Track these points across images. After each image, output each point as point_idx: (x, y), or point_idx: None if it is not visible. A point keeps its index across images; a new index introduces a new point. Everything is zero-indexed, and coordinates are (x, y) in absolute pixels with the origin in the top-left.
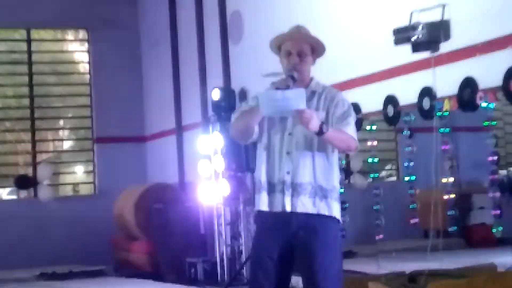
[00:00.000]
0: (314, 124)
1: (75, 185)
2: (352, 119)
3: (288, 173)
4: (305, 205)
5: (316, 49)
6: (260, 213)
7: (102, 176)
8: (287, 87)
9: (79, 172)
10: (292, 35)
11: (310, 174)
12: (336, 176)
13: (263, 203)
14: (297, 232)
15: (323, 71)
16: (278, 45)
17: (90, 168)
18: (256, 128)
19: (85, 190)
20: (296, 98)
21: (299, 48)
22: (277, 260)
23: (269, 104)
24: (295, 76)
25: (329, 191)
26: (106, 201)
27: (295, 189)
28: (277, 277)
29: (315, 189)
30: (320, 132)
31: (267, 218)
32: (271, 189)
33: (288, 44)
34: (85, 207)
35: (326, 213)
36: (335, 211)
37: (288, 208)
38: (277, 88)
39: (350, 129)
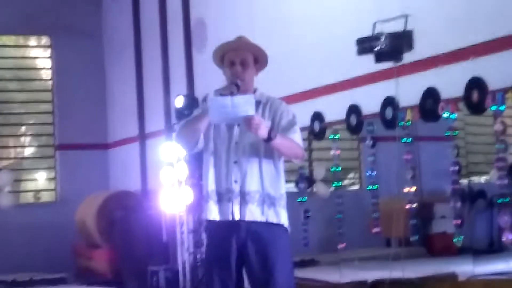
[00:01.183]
0: (263, 131)
1: (37, 192)
2: (297, 127)
3: (235, 181)
4: (254, 213)
5: (259, 59)
6: (210, 222)
7: (64, 183)
8: (231, 94)
9: (40, 179)
10: (234, 45)
11: (257, 183)
12: (283, 184)
13: (211, 213)
14: (246, 241)
15: (286, 81)
16: (221, 56)
17: (52, 175)
18: (201, 137)
19: (46, 197)
20: (245, 104)
21: (242, 58)
22: (231, 271)
23: (218, 111)
24: (238, 83)
25: (277, 199)
26: (68, 208)
27: (243, 197)
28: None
29: (263, 197)
30: (269, 139)
31: (217, 227)
32: (219, 198)
33: (231, 54)
34: (46, 214)
35: (275, 221)
36: (283, 218)
37: (237, 217)
38: (222, 95)
39: (297, 137)
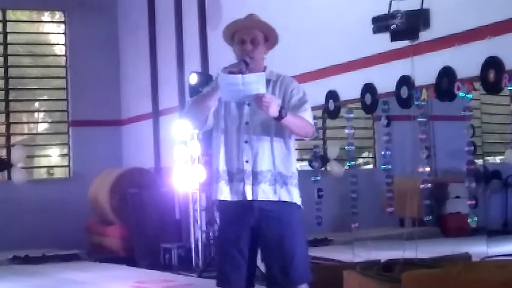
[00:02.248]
0: (274, 109)
1: (50, 168)
2: (308, 105)
3: (247, 161)
4: (266, 192)
5: (270, 37)
6: (222, 202)
7: (77, 160)
8: (240, 72)
9: (54, 155)
10: (245, 23)
11: (269, 162)
12: (294, 162)
13: (223, 193)
14: (260, 221)
15: (300, 59)
16: (232, 34)
17: (65, 151)
18: (211, 116)
19: (59, 173)
20: (256, 82)
21: (253, 36)
22: (243, 251)
23: (228, 88)
24: (247, 61)
25: (289, 178)
26: (81, 185)
27: (255, 177)
28: (245, 268)
29: (275, 176)
30: (280, 117)
31: (229, 207)
32: (230, 178)
33: (242, 32)
34: (59, 190)
35: (287, 200)
36: (296, 197)
37: (249, 197)
38: (231, 72)
39: (307, 114)
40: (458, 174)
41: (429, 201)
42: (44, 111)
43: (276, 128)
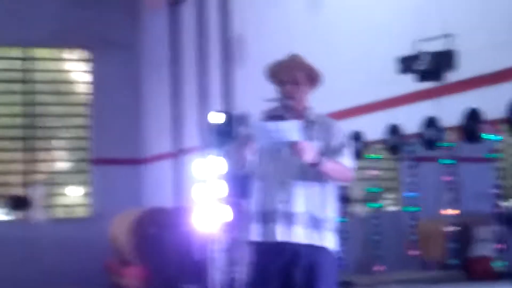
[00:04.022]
0: (309, 156)
1: (70, 207)
2: (348, 149)
3: (281, 202)
4: (298, 235)
5: (312, 77)
6: (254, 244)
7: (98, 199)
8: (280, 116)
9: (74, 194)
10: (285, 64)
11: (303, 204)
12: (332, 206)
13: (255, 233)
14: (291, 264)
15: (326, 99)
16: (274, 73)
17: (86, 190)
18: (252, 157)
19: (80, 212)
20: (291, 129)
21: (293, 77)
22: None
23: (263, 136)
24: (288, 104)
25: (323, 221)
26: (102, 224)
27: (289, 218)
28: None
29: (309, 219)
30: (315, 164)
31: (261, 249)
32: (264, 219)
33: (283, 73)
34: (80, 229)
35: (319, 244)
36: (329, 241)
37: (280, 238)
38: (270, 117)
39: (346, 160)
40: (484, 217)
41: (454, 244)
42: (66, 149)
43: (314, 171)
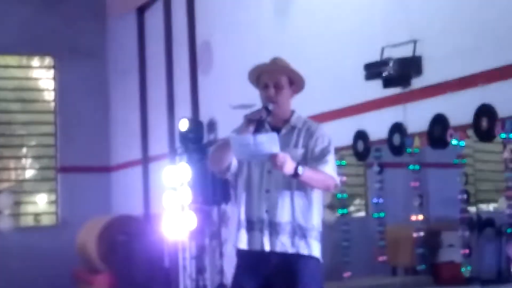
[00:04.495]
0: (289, 168)
1: (37, 215)
2: (331, 156)
3: (266, 211)
4: (284, 244)
5: (295, 81)
6: (239, 251)
7: (65, 207)
8: (260, 119)
9: (41, 202)
10: (268, 67)
11: (288, 213)
12: (316, 214)
13: (241, 241)
14: (276, 273)
15: (294, 104)
16: (256, 77)
17: (53, 198)
18: (235, 162)
19: (47, 220)
20: (268, 142)
21: (276, 80)
22: None
23: (240, 149)
24: (270, 108)
25: (309, 230)
26: (69, 232)
27: (274, 228)
28: None
29: (294, 228)
30: (296, 175)
31: (246, 256)
32: (250, 227)
33: (265, 76)
34: (47, 238)
35: (306, 253)
36: (315, 250)
37: (267, 248)
38: (250, 120)
39: (329, 167)
40: (452, 222)
41: (422, 249)
42: (32, 157)
43: (297, 180)
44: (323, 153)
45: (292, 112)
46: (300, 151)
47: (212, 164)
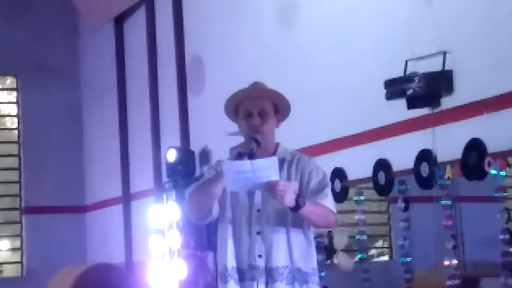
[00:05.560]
0: (290, 198)
1: None
2: (329, 189)
3: (260, 256)
4: None
5: (280, 108)
6: None
7: (32, 254)
8: (251, 152)
9: (3, 249)
10: (249, 93)
11: (286, 256)
12: (314, 256)
13: None
14: None
15: (300, 131)
16: (235, 107)
17: (17, 244)
18: (216, 205)
19: (10, 271)
20: (268, 168)
21: (261, 107)
22: None
23: (235, 177)
24: (258, 138)
25: (310, 275)
26: (37, 284)
27: (270, 275)
28: None
29: (293, 273)
30: (297, 207)
31: None
32: (241, 276)
33: (247, 104)
34: None
35: None
36: None
37: None
38: (239, 154)
39: (328, 201)
40: (492, 267)
41: None
42: None
43: (293, 216)
44: (321, 186)
45: (277, 144)
46: (295, 185)
47: (192, 208)
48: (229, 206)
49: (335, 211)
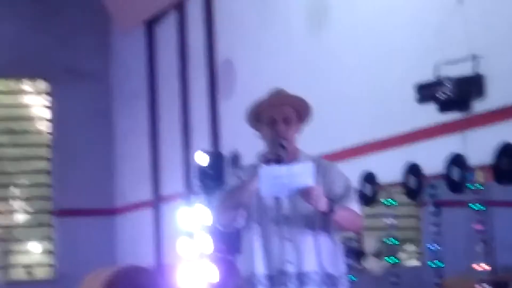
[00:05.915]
0: (323, 203)
1: (30, 267)
2: (354, 193)
3: (289, 261)
4: None
5: (303, 113)
6: None
7: (63, 257)
8: (279, 158)
9: (34, 252)
10: (272, 101)
11: (315, 261)
12: (342, 260)
13: None
14: None
15: (329, 135)
16: (257, 114)
17: (49, 247)
18: (243, 212)
19: (41, 273)
20: (303, 173)
21: (285, 114)
22: None
23: (271, 182)
24: (284, 144)
25: (339, 278)
26: (68, 287)
27: (300, 280)
28: None
29: (323, 277)
30: (330, 211)
31: None
32: (271, 283)
33: (271, 110)
34: None
35: None
36: None
37: None
38: (268, 160)
39: (355, 204)
40: None
41: None
42: (23, 198)
43: (321, 220)
44: (347, 191)
45: (299, 150)
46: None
47: (223, 214)
48: (255, 212)
49: (361, 216)
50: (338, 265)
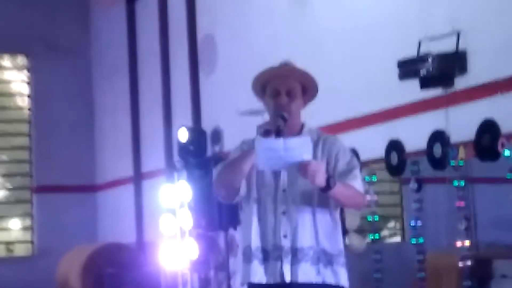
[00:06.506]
0: (321, 178)
1: (10, 244)
2: (358, 171)
3: (285, 236)
4: (308, 273)
5: (308, 89)
6: (253, 286)
7: (43, 233)
8: (278, 129)
9: (14, 229)
10: (280, 72)
11: (311, 237)
12: (341, 237)
13: (256, 274)
14: None
15: (312, 111)
16: (262, 84)
17: (28, 223)
18: (243, 184)
19: (21, 250)
20: (301, 147)
21: (289, 87)
22: None
23: (267, 156)
24: (285, 116)
25: (335, 256)
26: (47, 264)
27: (295, 255)
28: None
29: (318, 254)
30: (327, 187)
31: None
32: (265, 256)
33: (276, 82)
34: (21, 270)
35: (333, 282)
36: (343, 279)
37: (288, 278)
38: (266, 131)
39: (358, 183)
40: (505, 248)
41: (469, 281)
42: (3, 175)
43: (319, 196)
44: (350, 167)
45: (303, 124)
46: (322, 165)
47: (221, 186)
48: (254, 186)
49: (364, 193)
50: (335, 242)
